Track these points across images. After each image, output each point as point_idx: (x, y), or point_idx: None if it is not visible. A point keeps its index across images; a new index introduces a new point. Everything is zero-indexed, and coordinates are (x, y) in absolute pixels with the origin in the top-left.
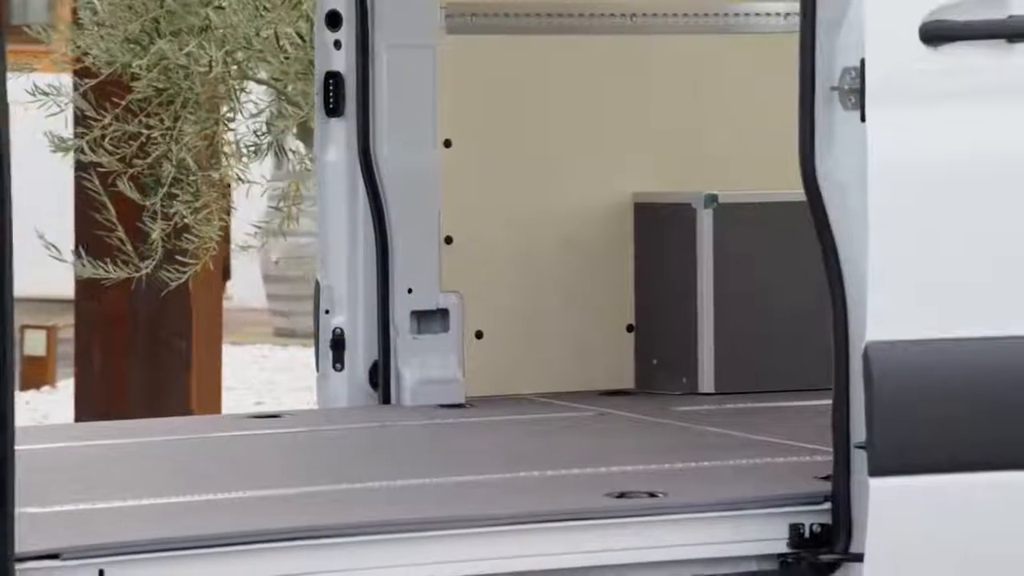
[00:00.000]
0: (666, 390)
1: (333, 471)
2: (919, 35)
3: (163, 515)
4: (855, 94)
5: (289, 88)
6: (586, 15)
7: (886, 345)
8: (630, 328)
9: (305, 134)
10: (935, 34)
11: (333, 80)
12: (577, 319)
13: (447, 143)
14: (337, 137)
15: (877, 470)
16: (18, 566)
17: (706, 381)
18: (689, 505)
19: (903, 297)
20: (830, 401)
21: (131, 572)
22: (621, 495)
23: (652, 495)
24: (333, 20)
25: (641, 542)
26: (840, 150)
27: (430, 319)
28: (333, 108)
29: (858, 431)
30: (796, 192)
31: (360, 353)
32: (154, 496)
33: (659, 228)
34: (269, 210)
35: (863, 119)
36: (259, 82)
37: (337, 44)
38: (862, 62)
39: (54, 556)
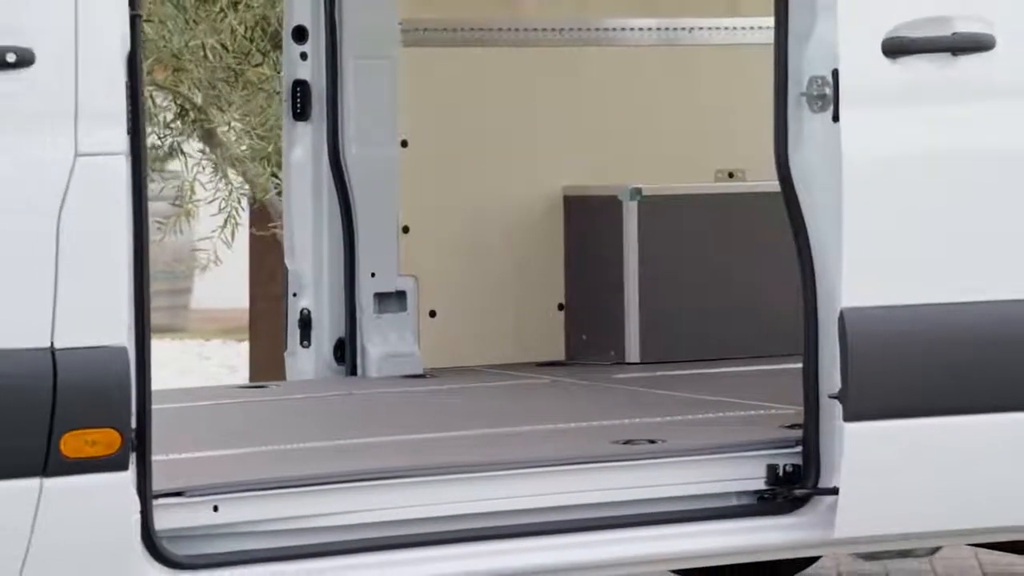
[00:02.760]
0: (594, 361)
1: (363, 426)
2: (881, 49)
3: (255, 461)
4: (821, 99)
5: (192, 94)
6: (522, 29)
7: (859, 310)
8: (561, 307)
9: (207, 137)
10: (894, 48)
11: (300, 88)
12: (515, 299)
13: (404, 143)
14: (303, 139)
15: (851, 416)
16: (154, 501)
17: (632, 352)
18: (684, 450)
19: (873, 270)
20: (751, 367)
21: (238, 505)
22: (626, 442)
23: (652, 442)
24: (300, 34)
25: (645, 481)
26: (808, 146)
27: (390, 300)
28: (300, 113)
29: (826, 384)
30: (710, 185)
31: (325, 331)
32: (242, 447)
33: (588, 219)
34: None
35: (835, 119)
36: (164, 88)
37: (303, 56)
38: (835, 72)
39: (179, 494)
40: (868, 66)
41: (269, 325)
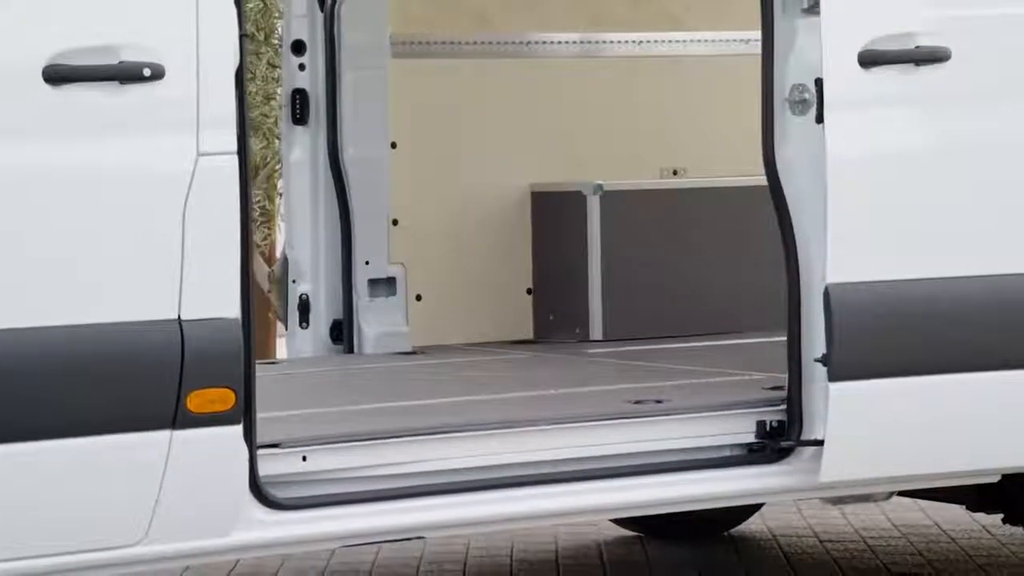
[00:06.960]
0: (561, 339)
1: (398, 392)
2: (857, 60)
3: (325, 419)
4: (802, 104)
5: None
6: (494, 43)
7: (841, 286)
8: (529, 291)
9: None
10: (868, 59)
11: (299, 95)
12: (490, 284)
13: (393, 145)
14: (302, 141)
15: (835, 377)
16: (258, 451)
17: (596, 331)
18: (687, 408)
19: (854, 250)
20: (704, 343)
21: (322, 455)
22: (637, 402)
23: (659, 402)
24: (298, 47)
25: (654, 435)
26: (791, 144)
27: (381, 285)
28: (299, 118)
29: (808, 349)
30: (663, 181)
31: (322, 314)
32: (310, 408)
33: (555, 212)
34: None
35: (819, 121)
36: None
37: (301, 67)
38: (818, 80)
39: (276, 445)
40: (846, 75)
41: None
